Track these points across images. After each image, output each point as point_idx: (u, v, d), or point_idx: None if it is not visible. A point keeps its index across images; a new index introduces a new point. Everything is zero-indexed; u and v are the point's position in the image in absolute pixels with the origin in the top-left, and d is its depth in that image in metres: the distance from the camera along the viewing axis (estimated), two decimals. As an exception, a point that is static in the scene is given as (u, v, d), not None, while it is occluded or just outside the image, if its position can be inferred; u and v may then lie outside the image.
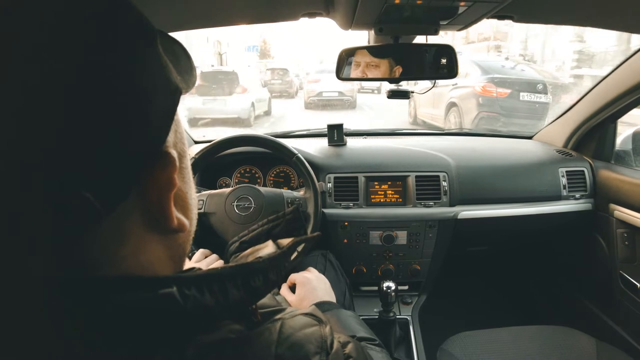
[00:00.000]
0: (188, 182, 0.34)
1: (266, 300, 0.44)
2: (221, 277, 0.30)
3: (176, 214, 0.31)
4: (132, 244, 0.28)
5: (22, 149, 0.21)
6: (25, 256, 0.23)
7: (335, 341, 0.36)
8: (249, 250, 0.89)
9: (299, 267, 1.06)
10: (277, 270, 0.36)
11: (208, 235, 1.11)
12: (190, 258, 0.89)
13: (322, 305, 0.75)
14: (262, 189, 1.10)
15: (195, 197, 0.36)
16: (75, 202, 0.23)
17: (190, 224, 0.34)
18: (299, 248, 0.44)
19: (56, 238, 0.23)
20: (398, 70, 0.95)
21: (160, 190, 0.29)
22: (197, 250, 0.93)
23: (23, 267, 0.24)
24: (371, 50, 0.96)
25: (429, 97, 6.56)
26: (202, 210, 1.06)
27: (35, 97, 0.21)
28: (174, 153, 0.29)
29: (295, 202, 1.09)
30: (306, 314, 0.37)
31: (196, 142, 1.51)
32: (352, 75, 0.97)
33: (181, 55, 0.33)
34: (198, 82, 7.54)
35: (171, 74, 0.28)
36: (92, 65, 0.23)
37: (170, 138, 0.30)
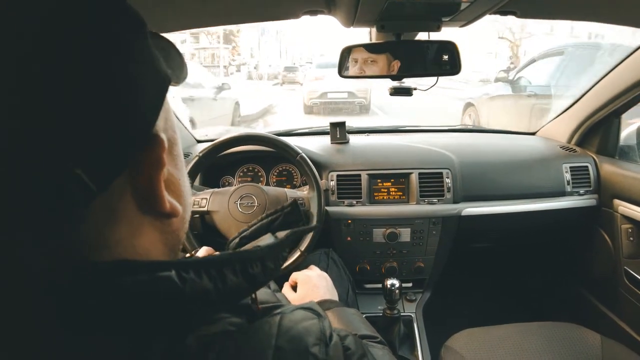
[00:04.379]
0: (180, 170, 0.35)
1: (267, 297, 0.45)
2: (219, 263, 0.31)
3: (168, 197, 0.31)
4: (126, 226, 0.29)
5: (14, 130, 0.22)
6: (16, 240, 0.24)
7: (334, 334, 0.37)
8: (248, 245, 0.89)
9: (302, 265, 1.06)
10: (275, 259, 0.36)
11: (211, 233, 1.11)
12: (192, 255, 0.90)
13: (324, 304, 0.75)
14: (265, 188, 1.10)
15: (189, 186, 0.37)
16: (68, 181, 0.23)
17: (184, 210, 0.35)
18: (307, 240, 0.45)
19: (49, 219, 0.24)
20: (396, 65, 0.95)
21: (150, 169, 0.29)
22: (200, 248, 0.94)
23: (14, 251, 0.24)
24: (373, 47, 0.96)
25: (512, 106, 4.61)
26: (205, 209, 1.07)
27: (28, 82, 0.22)
28: (163, 136, 0.30)
29: (299, 201, 1.09)
30: (305, 308, 0.38)
31: (199, 141, 1.51)
32: (355, 73, 0.97)
33: (172, 53, 0.34)
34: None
35: (160, 64, 0.29)
36: (84, 53, 0.24)
37: (160, 123, 0.31)
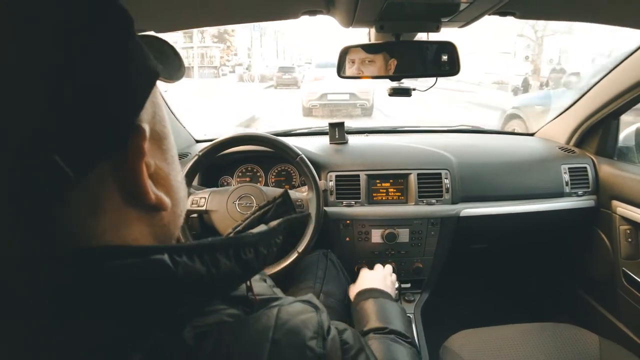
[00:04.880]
0: (171, 164, 0.35)
1: (263, 290, 0.45)
2: (212, 247, 0.31)
3: (155, 190, 0.31)
4: (110, 217, 0.29)
5: None
6: (1, 230, 0.24)
7: (332, 327, 0.37)
8: None
9: (300, 266, 1.06)
10: (268, 245, 0.37)
11: (209, 233, 1.11)
12: None
13: (371, 292, 0.80)
14: (264, 188, 1.10)
15: (181, 180, 0.37)
16: (45, 166, 0.23)
17: (175, 204, 0.35)
18: (304, 242, 0.45)
19: (28, 205, 0.24)
20: (396, 65, 0.95)
21: (131, 160, 0.29)
22: None
23: (2, 243, 0.24)
24: (372, 47, 0.96)
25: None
26: (204, 208, 1.07)
27: (6, 65, 0.23)
28: (146, 127, 0.30)
29: (297, 202, 1.09)
30: (303, 301, 0.38)
31: (198, 141, 1.51)
32: (354, 73, 0.97)
33: (169, 54, 0.35)
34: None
35: (148, 59, 0.29)
36: (69, 44, 0.24)
37: (145, 116, 0.31)
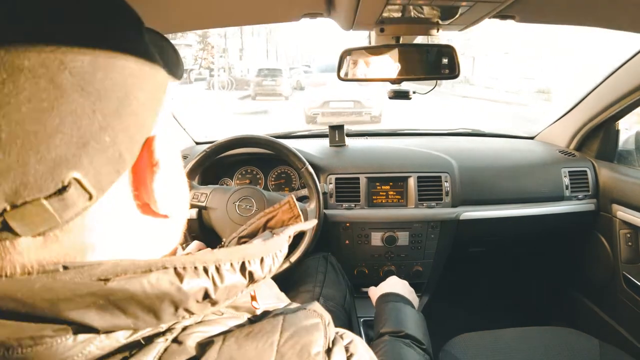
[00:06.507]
0: (177, 169, 0.35)
1: (267, 295, 0.45)
2: (216, 259, 0.30)
3: (165, 198, 0.32)
4: (124, 228, 0.29)
5: (11, 135, 0.22)
6: (15, 244, 0.24)
7: (337, 337, 0.36)
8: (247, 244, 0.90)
9: (300, 269, 1.06)
10: (273, 254, 0.37)
11: (206, 230, 1.11)
12: (184, 249, 0.91)
13: (391, 296, 0.81)
14: (266, 192, 1.10)
15: (186, 185, 0.37)
16: (67, 186, 0.23)
17: (180, 211, 0.35)
18: (297, 253, 0.45)
19: (48, 223, 0.24)
20: (396, 68, 0.95)
21: (147, 170, 0.29)
22: (191, 243, 0.95)
23: (15, 253, 0.24)
24: (372, 50, 0.96)
25: None
26: (204, 204, 1.07)
27: (20, 82, 0.22)
28: (161, 136, 0.30)
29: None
30: (308, 309, 0.37)
31: (198, 143, 1.51)
32: (354, 76, 0.97)
33: (168, 50, 0.34)
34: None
35: (158, 63, 0.29)
36: (82, 53, 0.24)
37: (159, 124, 0.31)
